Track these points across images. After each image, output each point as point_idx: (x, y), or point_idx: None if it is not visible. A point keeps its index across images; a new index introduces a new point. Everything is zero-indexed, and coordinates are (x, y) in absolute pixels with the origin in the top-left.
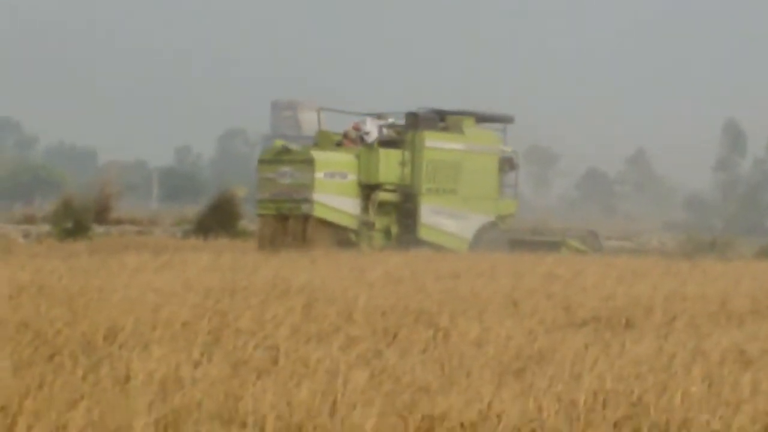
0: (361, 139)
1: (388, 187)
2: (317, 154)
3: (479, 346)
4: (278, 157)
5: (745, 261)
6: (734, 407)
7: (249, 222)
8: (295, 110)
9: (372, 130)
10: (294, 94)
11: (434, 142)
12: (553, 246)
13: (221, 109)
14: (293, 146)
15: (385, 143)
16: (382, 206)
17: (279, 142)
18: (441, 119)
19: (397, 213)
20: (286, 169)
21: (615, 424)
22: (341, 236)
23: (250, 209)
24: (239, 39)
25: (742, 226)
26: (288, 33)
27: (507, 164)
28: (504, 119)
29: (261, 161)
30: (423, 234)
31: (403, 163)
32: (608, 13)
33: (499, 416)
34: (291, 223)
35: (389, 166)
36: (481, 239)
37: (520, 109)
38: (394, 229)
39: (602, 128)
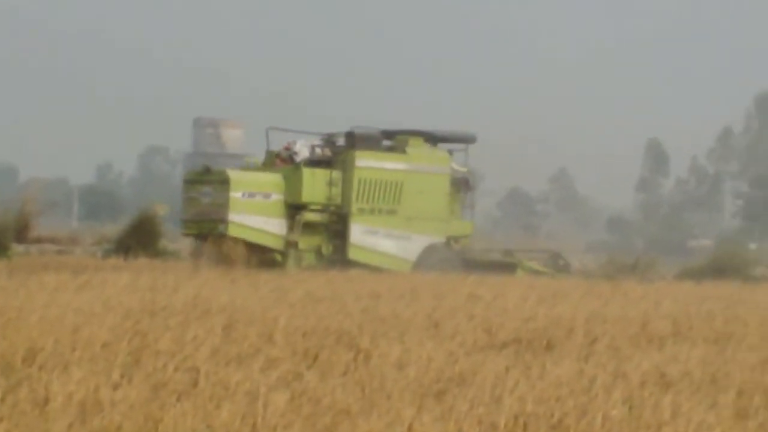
0: (291, 159)
1: (314, 207)
2: (233, 174)
3: (400, 368)
4: (200, 177)
5: (667, 282)
6: (655, 430)
7: (170, 241)
8: (218, 127)
9: (301, 150)
10: (217, 112)
11: (367, 161)
12: (509, 267)
13: (142, 125)
14: (215, 166)
15: (317, 163)
16: (310, 226)
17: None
18: (389, 139)
19: (328, 233)
20: (206, 189)
21: None
22: (267, 256)
23: (171, 228)
24: (162, 54)
25: (664, 246)
26: (214, 47)
27: (461, 185)
28: (464, 139)
29: (185, 181)
30: (353, 254)
31: (330, 183)
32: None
33: None
34: (209, 244)
35: (315, 185)
36: (427, 260)
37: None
38: (326, 250)
39: (523, 147)
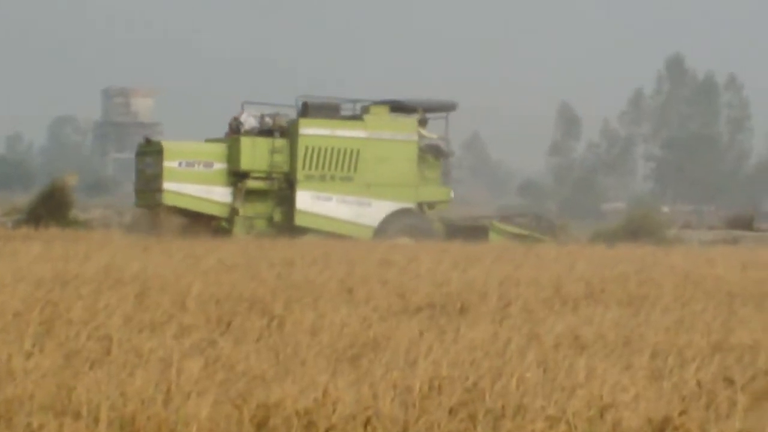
0: (239, 130)
1: (257, 175)
2: (167, 144)
3: (314, 334)
4: (144, 149)
5: (580, 245)
6: (569, 392)
7: (81, 211)
8: (128, 96)
9: (247, 120)
10: (127, 81)
11: (315, 129)
12: (483, 231)
13: (51, 95)
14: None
15: (265, 132)
16: (258, 194)
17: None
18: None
19: (277, 200)
20: (149, 160)
21: (450, 411)
22: (215, 224)
23: (81, 198)
24: (73, 21)
25: (577, 210)
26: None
27: (432, 151)
28: (441, 107)
29: (136, 153)
30: (300, 221)
31: (273, 151)
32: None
33: (334, 404)
34: (151, 213)
35: (255, 154)
36: (390, 226)
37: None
38: (276, 216)
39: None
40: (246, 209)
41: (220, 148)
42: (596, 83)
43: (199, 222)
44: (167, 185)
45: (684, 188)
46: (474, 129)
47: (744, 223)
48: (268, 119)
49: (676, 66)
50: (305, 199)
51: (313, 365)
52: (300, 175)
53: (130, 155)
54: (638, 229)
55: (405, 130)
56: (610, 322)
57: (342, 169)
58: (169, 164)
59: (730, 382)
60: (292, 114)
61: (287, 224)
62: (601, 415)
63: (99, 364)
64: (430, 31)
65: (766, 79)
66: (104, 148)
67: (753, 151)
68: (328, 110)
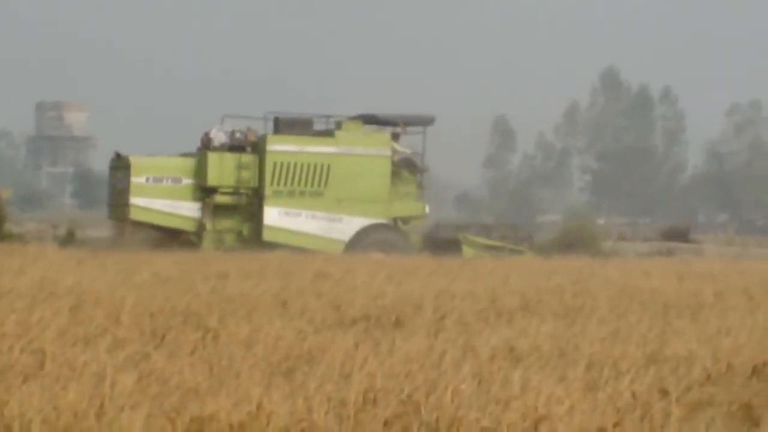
0: (209, 145)
1: (225, 190)
2: (135, 160)
3: (248, 347)
4: (115, 163)
5: (515, 257)
6: (504, 404)
7: (15, 225)
8: (61, 110)
9: (217, 136)
10: (61, 94)
11: (284, 145)
12: (458, 244)
13: None
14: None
15: (235, 148)
16: (227, 209)
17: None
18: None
19: (246, 215)
20: (119, 174)
21: (385, 423)
22: (185, 239)
23: (15, 212)
24: (5, 35)
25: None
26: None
27: (407, 166)
28: (419, 122)
29: (109, 168)
30: (268, 236)
31: (240, 167)
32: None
33: (268, 417)
34: (120, 227)
35: (223, 169)
36: (362, 241)
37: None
38: (246, 231)
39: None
40: (214, 224)
41: (189, 164)
42: (531, 96)
43: (171, 236)
44: (134, 200)
45: (620, 200)
46: (410, 142)
47: (679, 235)
48: (239, 135)
49: (610, 79)
50: (273, 215)
51: (247, 378)
52: (268, 190)
53: (63, 169)
54: (574, 241)
55: (377, 145)
56: (545, 333)
57: (312, 185)
58: (136, 179)
59: (664, 393)
60: (269, 129)
61: (256, 239)
62: (536, 427)
63: (32, 377)
64: (365, 40)
65: (701, 91)
66: (38, 162)
67: (688, 163)
68: (299, 126)
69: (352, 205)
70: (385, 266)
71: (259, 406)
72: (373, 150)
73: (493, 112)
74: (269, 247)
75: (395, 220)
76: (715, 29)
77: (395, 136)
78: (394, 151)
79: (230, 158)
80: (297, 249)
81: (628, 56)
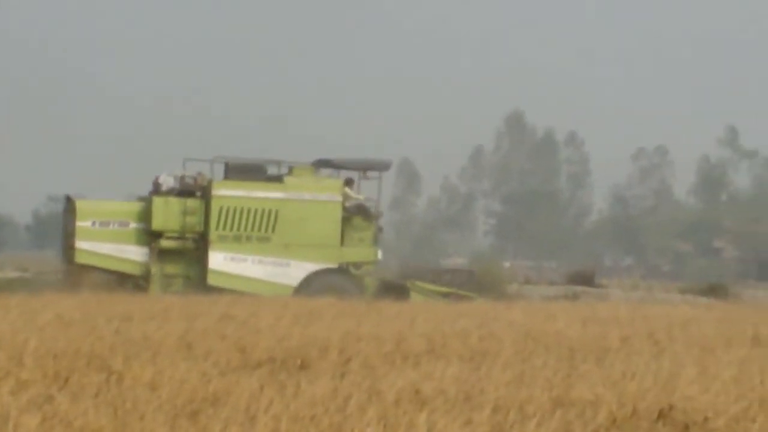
0: (157, 190)
1: (170, 234)
2: (80, 204)
3: (153, 389)
4: (67, 207)
5: (421, 300)
6: None
7: None
8: None
9: (166, 180)
10: None
11: (230, 190)
12: (405, 290)
13: None
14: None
15: (184, 193)
16: (171, 253)
17: None
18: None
19: (192, 260)
20: (69, 217)
21: None
22: (135, 282)
23: None
24: None
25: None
26: None
27: (360, 212)
28: (372, 166)
29: (63, 210)
30: (213, 280)
31: (185, 212)
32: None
33: None
34: (69, 270)
35: (168, 214)
36: (310, 286)
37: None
38: (192, 275)
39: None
40: (161, 268)
41: (136, 208)
42: (436, 139)
43: (122, 280)
44: (79, 244)
45: (525, 244)
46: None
47: (585, 279)
48: (188, 180)
49: (515, 122)
50: (218, 260)
51: (151, 420)
52: (213, 235)
53: None
54: (479, 284)
55: (328, 190)
56: (450, 377)
57: (259, 230)
58: (81, 223)
59: None
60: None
61: (202, 284)
62: None
63: None
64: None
65: (606, 135)
66: None
67: (593, 207)
68: (250, 171)
69: (300, 250)
70: (290, 308)
71: None
72: (323, 195)
73: (397, 156)
74: (215, 292)
75: (347, 265)
76: (620, 73)
77: (350, 182)
78: (347, 197)
79: (175, 203)
80: (244, 293)
81: (533, 100)
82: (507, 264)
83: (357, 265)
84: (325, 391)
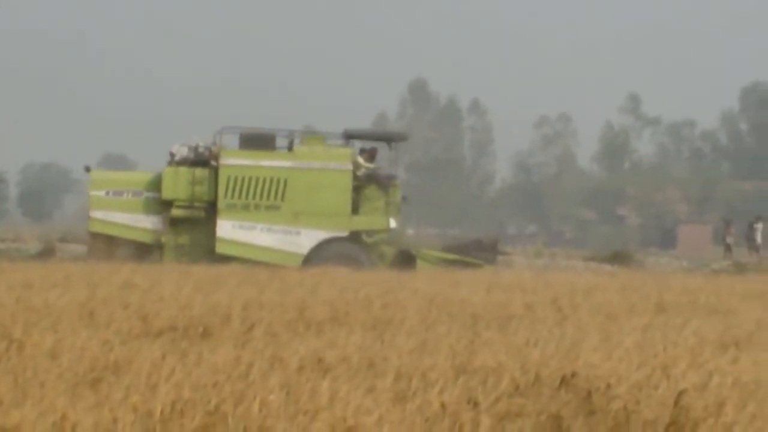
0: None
1: (180, 203)
2: (95, 174)
3: (54, 358)
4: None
5: (324, 269)
6: (312, 415)
7: None
8: None
9: (180, 150)
10: None
11: (238, 160)
12: (413, 258)
13: None
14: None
15: (198, 163)
16: (183, 222)
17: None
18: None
19: (203, 228)
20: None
21: None
22: (144, 251)
23: None
24: None
25: None
26: None
27: (373, 181)
28: (388, 137)
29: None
30: (222, 249)
31: (194, 181)
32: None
33: (73, 428)
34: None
35: (177, 184)
36: (320, 254)
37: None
38: (203, 244)
39: (172, 138)
40: (172, 237)
41: (149, 177)
42: (339, 108)
43: (143, 250)
44: (93, 213)
45: (429, 211)
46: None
47: (486, 249)
48: (202, 149)
49: (419, 90)
50: (226, 228)
51: (52, 389)
52: (221, 204)
53: None
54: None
55: (338, 159)
56: (353, 345)
57: (268, 198)
58: (95, 193)
59: (474, 403)
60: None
61: (212, 252)
62: None
63: None
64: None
65: (509, 103)
66: None
67: (497, 174)
68: (263, 141)
69: (310, 218)
70: (192, 276)
71: (63, 417)
72: (333, 164)
73: (301, 122)
74: (225, 261)
75: (358, 233)
76: (525, 41)
77: (371, 152)
78: (358, 166)
79: (185, 172)
80: (253, 262)
81: (437, 67)
82: (411, 231)
83: (370, 234)
84: (228, 359)
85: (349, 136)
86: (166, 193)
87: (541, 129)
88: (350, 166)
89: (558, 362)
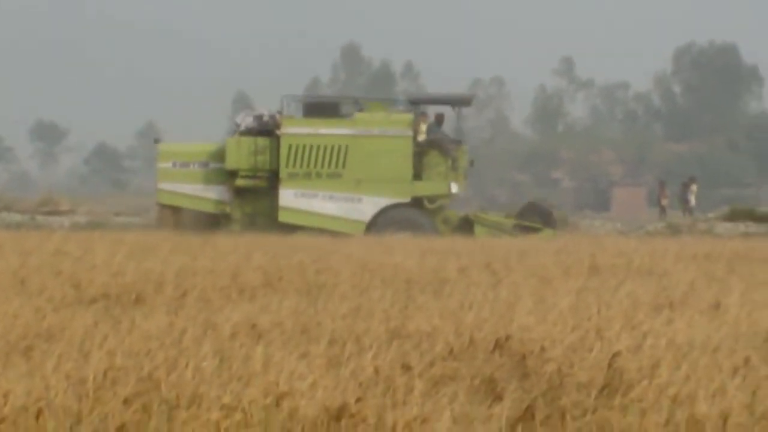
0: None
1: (244, 173)
2: (162, 146)
3: None
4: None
5: (256, 235)
6: (245, 381)
7: None
8: None
9: (244, 120)
10: None
11: (298, 128)
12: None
13: None
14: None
15: (262, 132)
16: (248, 191)
17: None
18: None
19: (267, 197)
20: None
21: (125, 401)
22: (213, 221)
23: None
24: None
25: None
26: None
27: (436, 146)
28: (452, 101)
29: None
30: (284, 217)
31: (256, 151)
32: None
33: (5, 396)
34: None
35: (240, 153)
36: (382, 221)
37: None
38: (267, 213)
39: (108, 100)
40: (237, 207)
41: (214, 148)
42: (272, 71)
43: (208, 219)
44: (161, 185)
45: None
46: (148, 119)
47: None
48: (267, 119)
49: (351, 54)
50: (288, 196)
51: None
52: (283, 173)
53: None
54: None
55: (398, 125)
56: (287, 310)
57: (329, 166)
58: (163, 165)
59: (407, 368)
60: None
61: (270, 220)
62: (278, 404)
63: None
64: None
65: (442, 65)
66: None
67: None
68: (326, 109)
69: (371, 185)
70: (125, 244)
71: None
72: (393, 130)
73: (233, 89)
74: (288, 229)
75: (420, 199)
76: (458, 4)
77: (438, 117)
78: (419, 132)
79: (247, 142)
80: (316, 230)
81: (369, 31)
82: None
83: (431, 199)
84: (161, 325)
85: (413, 102)
86: (230, 164)
87: (475, 92)
88: (410, 132)
89: (492, 326)
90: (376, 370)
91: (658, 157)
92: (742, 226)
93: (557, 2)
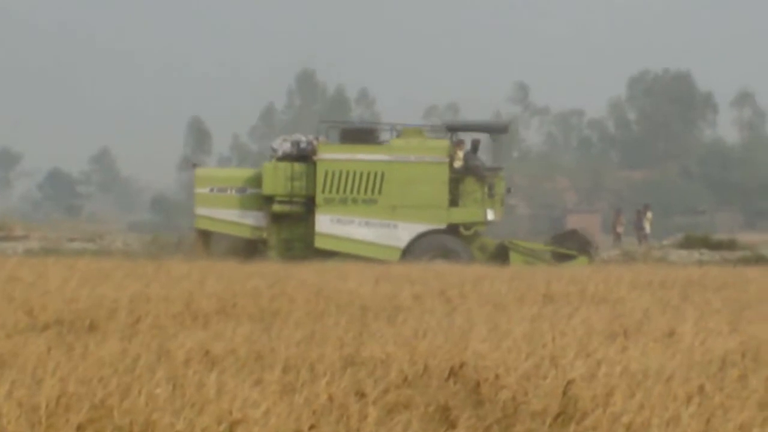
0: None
1: (281, 199)
2: (199, 171)
3: None
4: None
5: (210, 261)
6: (199, 408)
7: None
8: None
9: (282, 146)
10: None
11: (335, 154)
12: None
13: None
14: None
15: (300, 158)
16: (285, 217)
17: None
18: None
19: (304, 223)
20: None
21: (78, 428)
22: (250, 247)
23: None
24: None
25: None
26: None
27: (472, 173)
28: (492, 129)
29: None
30: (320, 243)
31: (292, 177)
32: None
33: None
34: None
35: (277, 179)
36: (417, 247)
37: None
38: (304, 239)
39: (65, 127)
40: (274, 233)
41: (251, 174)
42: (226, 98)
43: (246, 245)
44: (199, 210)
45: None
46: (102, 145)
47: None
48: (304, 145)
49: (306, 80)
50: (325, 222)
51: None
52: (319, 198)
53: None
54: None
55: (434, 152)
56: (241, 337)
57: (365, 192)
58: (200, 190)
59: (361, 395)
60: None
61: (307, 247)
62: (231, 431)
63: None
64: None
65: (397, 92)
66: None
67: None
68: (363, 135)
69: (407, 211)
70: (79, 270)
71: None
72: (430, 157)
73: (187, 114)
74: (325, 255)
75: (456, 226)
76: (414, 31)
77: (475, 143)
78: (455, 158)
79: (284, 167)
80: (351, 256)
81: (325, 57)
82: None
83: (467, 226)
84: (114, 352)
85: (451, 129)
86: (266, 189)
87: (430, 119)
88: (447, 159)
89: (446, 353)
90: (330, 398)
91: (613, 184)
92: (696, 254)
93: (512, 29)
